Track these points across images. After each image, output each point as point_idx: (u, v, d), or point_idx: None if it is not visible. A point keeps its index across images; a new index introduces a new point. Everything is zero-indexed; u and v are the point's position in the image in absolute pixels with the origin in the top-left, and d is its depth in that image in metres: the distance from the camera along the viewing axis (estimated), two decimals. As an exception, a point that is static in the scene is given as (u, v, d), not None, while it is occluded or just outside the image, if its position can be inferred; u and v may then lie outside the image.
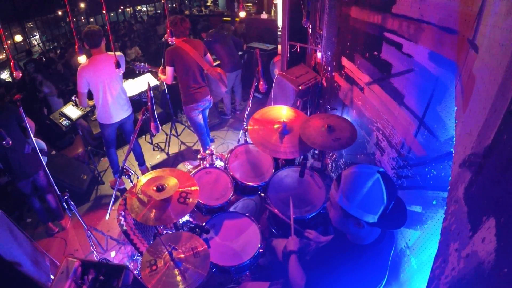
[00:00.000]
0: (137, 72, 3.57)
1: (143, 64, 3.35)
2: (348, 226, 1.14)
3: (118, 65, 2.42)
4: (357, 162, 2.32)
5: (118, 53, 2.91)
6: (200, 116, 3.30)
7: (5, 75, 10.70)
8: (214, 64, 3.41)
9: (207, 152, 2.45)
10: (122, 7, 18.16)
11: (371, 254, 1.18)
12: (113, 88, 2.92)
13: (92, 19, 16.95)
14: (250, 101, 2.58)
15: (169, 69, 2.97)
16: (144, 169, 3.63)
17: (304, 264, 1.48)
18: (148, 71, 3.67)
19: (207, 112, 3.45)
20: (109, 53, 2.89)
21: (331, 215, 1.21)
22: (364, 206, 1.07)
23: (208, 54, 3.17)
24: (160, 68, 3.19)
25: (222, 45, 4.23)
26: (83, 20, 16.59)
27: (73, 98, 3.59)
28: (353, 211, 1.09)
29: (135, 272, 2.01)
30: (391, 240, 1.26)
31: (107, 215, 2.24)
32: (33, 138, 2.30)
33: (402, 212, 1.13)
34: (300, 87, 3.10)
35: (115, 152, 3.34)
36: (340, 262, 1.21)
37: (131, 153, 3.51)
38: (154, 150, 4.17)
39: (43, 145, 2.82)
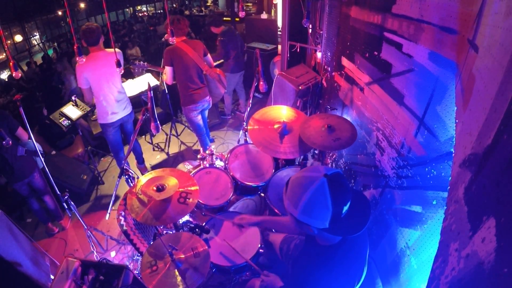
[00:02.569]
0: (136, 70, 3.56)
1: (142, 62, 3.34)
2: (303, 230, 1.10)
3: (119, 64, 2.41)
4: (357, 162, 2.32)
5: (117, 50, 2.86)
6: (199, 117, 3.29)
7: (5, 75, 10.71)
8: (216, 63, 3.40)
9: (207, 152, 2.45)
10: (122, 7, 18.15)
11: (343, 253, 1.14)
12: (113, 85, 2.89)
13: (92, 19, 16.95)
14: (250, 101, 2.58)
15: (168, 69, 2.97)
16: (142, 168, 3.63)
17: (286, 271, 1.44)
18: (147, 70, 3.66)
19: (206, 112, 3.45)
20: (108, 50, 2.86)
21: (289, 220, 1.16)
22: (309, 212, 1.02)
23: (209, 55, 3.16)
24: (162, 67, 3.18)
25: (233, 46, 4.21)
26: (83, 21, 16.59)
27: (73, 98, 3.59)
28: (299, 218, 1.04)
29: (135, 272, 2.01)
30: (363, 235, 1.21)
31: (107, 215, 2.24)
32: (34, 140, 2.31)
33: (360, 217, 1.07)
34: (300, 87, 3.10)
35: (124, 157, 3.31)
36: (314, 267, 1.16)
37: (131, 152, 3.51)
38: (154, 150, 4.17)
39: (39, 146, 2.82)
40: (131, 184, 2.10)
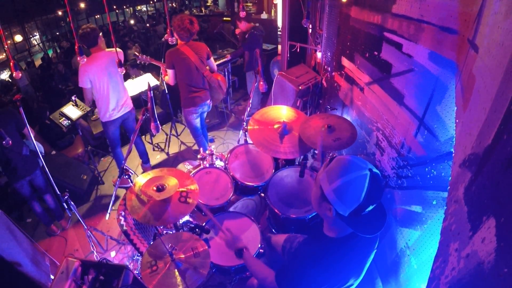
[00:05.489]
0: (138, 62, 3.55)
1: (145, 56, 3.34)
2: (321, 208, 1.13)
3: (120, 64, 2.40)
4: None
5: (118, 50, 2.93)
6: (198, 120, 3.28)
7: (5, 75, 10.71)
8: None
9: (207, 152, 2.45)
10: (123, 6, 18.14)
11: (343, 248, 1.16)
12: (115, 84, 2.97)
13: (92, 19, 16.94)
14: (250, 101, 2.58)
15: (170, 72, 2.95)
16: (147, 167, 3.62)
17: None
18: (149, 64, 3.62)
19: (205, 114, 3.44)
20: (108, 49, 2.95)
21: (312, 191, 1.20)
22: (340, 193, 1.05)
23: (212, 59, 3.12)
24: (163, 67, 3.17)
25: (260, 44, 4.18)
26: (83, 21, 16.58)
27: (73, 98, 3.58)
28: (327, 193, 1.07)
29: (135, 272, 2.01)
30: (373, 238, 1.22)
31: (107, 215, 2.24)
32: (34, 141, 2.31)
33: (379, 221, 1.10)
34: (300, 87, 3.10)
35: (121, 152, 3.37)
36: (317, 259, 1.18)
37: (135, 151, 3.53)
38: (154, 150, 4.17)
39: (41, 148, 2.83)
40: (131, 178, 2.09)
